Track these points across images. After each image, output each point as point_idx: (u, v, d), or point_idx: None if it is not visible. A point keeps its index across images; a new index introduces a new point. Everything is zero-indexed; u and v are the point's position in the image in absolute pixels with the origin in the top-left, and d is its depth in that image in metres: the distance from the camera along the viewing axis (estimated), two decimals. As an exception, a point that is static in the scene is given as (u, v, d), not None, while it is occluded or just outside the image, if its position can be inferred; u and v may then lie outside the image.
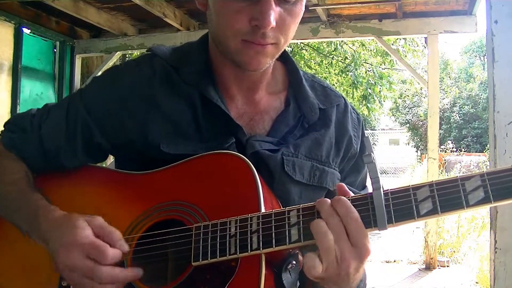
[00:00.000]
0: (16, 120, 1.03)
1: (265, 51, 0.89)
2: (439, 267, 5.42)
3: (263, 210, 0.80)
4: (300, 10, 0.90)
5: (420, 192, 0.74)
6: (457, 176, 0.73)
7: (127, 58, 6.43)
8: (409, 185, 0.75)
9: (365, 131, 1.11)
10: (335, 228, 0.74)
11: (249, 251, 0.78)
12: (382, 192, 0.75)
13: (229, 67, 0.97)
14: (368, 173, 0.76)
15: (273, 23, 0.84)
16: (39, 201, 0.91)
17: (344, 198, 0.76)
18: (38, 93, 5.40)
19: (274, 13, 0.84)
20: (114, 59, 5.87)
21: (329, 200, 0.76)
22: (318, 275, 0.74)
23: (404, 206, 0.74)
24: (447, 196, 0.72)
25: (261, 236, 0.78)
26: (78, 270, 0.80)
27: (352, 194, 0.79)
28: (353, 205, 0.76)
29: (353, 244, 0.74)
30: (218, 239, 0.80)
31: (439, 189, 0.73)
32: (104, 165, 1.31)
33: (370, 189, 0.93)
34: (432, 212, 0.72)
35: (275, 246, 0.77)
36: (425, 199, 0.73)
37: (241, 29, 0.86)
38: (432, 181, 0.74)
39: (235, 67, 0.95)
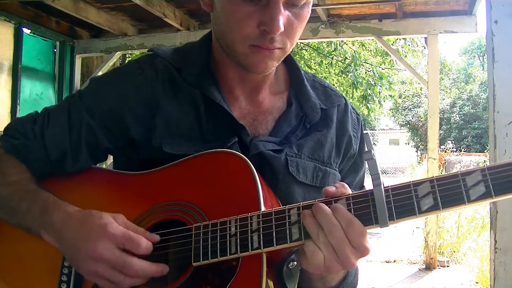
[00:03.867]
0: (16, 126, 0.99)
1: (273, 55, 0.89)
2: (439, 267, 5.42)
3: (263, 209, 0.80)
4: (307, 13, 0.89)
5: (421, 188, 0.73)
6: (457, 172, 0.73)
7: (127, 58, 6.43)
8: (410, 181, 0.75)
9: (365, 131, 1.11)
10: (336, 240, 0.74)
11: (250, 251, 0.77)
12: (382, 189, 0.74)
13: (234, 68, 0.96)
14: (368, 170, 0.76)
15: (281, 28, 0.84)
16: (50, 197, 0.90)
17: (342, 207, 0.75)
18: (38, 93, 5.40)
19: (282, 18, 0.84)
20: (114, 59, 5.87)
21: (329, 211, 0.75)
22: (319, 262, 0.75)
23: (405, 202, 0.74)
24: (448, 192, 0.72)
25: (261, 235, 0.77)
26: (105, 261, 0.79)
27: (350, 192, 0.78)
28: (353, 202, 0.76)
29: (355, 247, 0.74)
30: (218, 239, 0.80)
31: (440, 184, 0.73)
32: (104, 165, 1.31)
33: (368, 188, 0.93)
34: (434, 208, 0.72)
35: (276, 245, 0.77)
36: (426, 195, 0.73)
37: (250, 34, 0.86)
38: (433, 176, 0.74)
39: (239, 68, 0.95)
